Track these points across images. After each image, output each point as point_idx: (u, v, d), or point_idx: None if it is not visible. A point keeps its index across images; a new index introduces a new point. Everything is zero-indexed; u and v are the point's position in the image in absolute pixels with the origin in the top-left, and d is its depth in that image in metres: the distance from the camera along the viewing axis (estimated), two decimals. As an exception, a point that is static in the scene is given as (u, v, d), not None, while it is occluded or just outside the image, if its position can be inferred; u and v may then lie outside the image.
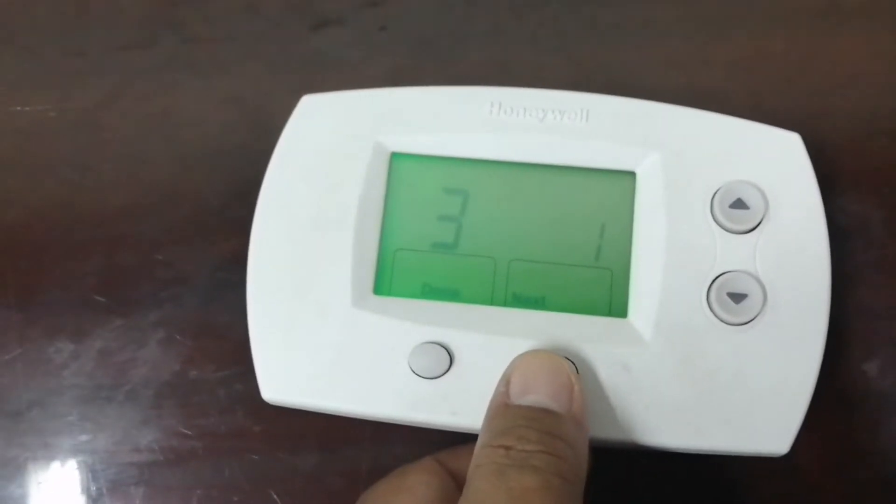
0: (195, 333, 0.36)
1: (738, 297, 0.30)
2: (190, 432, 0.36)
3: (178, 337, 0.36)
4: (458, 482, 0.31)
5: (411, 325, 0.31)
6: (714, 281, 0.31)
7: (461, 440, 0.32)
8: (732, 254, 0.31)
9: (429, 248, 0.32)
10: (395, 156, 0.33)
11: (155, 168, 0.38)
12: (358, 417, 0.31)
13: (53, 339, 0.37)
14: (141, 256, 0.37)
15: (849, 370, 0.34)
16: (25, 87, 0.39)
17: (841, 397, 0.34)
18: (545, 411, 0.27)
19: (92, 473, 0.36)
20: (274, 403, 0.31)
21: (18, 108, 0.39)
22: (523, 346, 0.30)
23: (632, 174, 0.32)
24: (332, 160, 0.33)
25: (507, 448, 0.26)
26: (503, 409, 0.28)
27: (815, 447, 0.33)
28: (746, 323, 0.30)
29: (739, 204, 0.31)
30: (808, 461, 0.33)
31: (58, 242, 0.37)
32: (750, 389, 0.30)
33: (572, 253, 0.32)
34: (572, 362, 0.30)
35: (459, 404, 0.30)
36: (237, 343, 0.35)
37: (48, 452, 0.36)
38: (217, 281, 0.37)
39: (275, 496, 0.35)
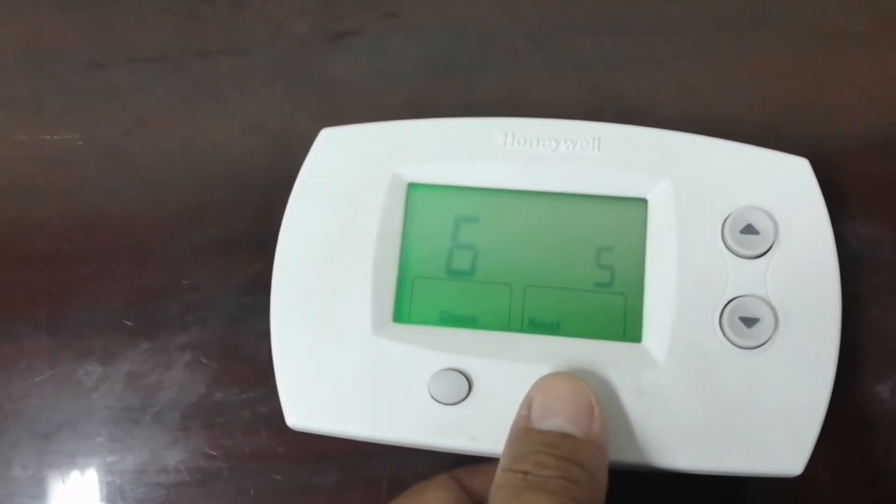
0: (220, 356, 0.37)
1: (749, 322, 0.31)
2: (215, 453, 0.36)
3: (203, 360, 0.37)
4: (473, 500, 0.32)
5: (430, 352, 0.32)
6: (726, 305, 0.31)
7: (479, 459, 0.32)
8: (744, 278, 0.31)
9: (446, 276, 0.33)
10: (411, 186, 0.34)
11: (180, 193, 0.39)
12: (379, 443, 0.32)
13: (82, 362, 0.37)
14: (167, 280, 0.38)
15: (862, 392, 0.34)
16: (53, 115, 0.40)
17: (854, 419, 0.34)
18: (565, 436, 0.28)
19: (120, 493, 0.36)
20: (298, 429, 0.32)
21: (47, 137, 0.40)
22: (540, 371, 0.30)
23: (643, 201, 0.33)
24: (351, 191, 0.33)
25: (525, 473, 0.27)
26: (524, 433, 0.28)
27: (829, 468, 0.33)
28: (759, 346, 0.31)
29: (750, 229, 0.31)
30: (822, 482, 0.34)
31: (86, 267, 0.38)
32: (763, 411, 0.30)
33: (586, 279, 0.32)
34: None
35: (479, 429, 0.31)
36: (261, 365, 0.35)
37: (77, 473, 0.37)
38: (242, 304, 0.37)
39: (298, 515, 0.36)
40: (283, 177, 0.34)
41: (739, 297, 0.31)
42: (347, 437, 0.32)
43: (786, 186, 0.32)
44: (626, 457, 0.30)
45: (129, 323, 0.37)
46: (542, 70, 0.39)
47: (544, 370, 0.31)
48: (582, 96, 0.38)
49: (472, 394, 0.31)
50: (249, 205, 0.38)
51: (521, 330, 0.32)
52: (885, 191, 0.36)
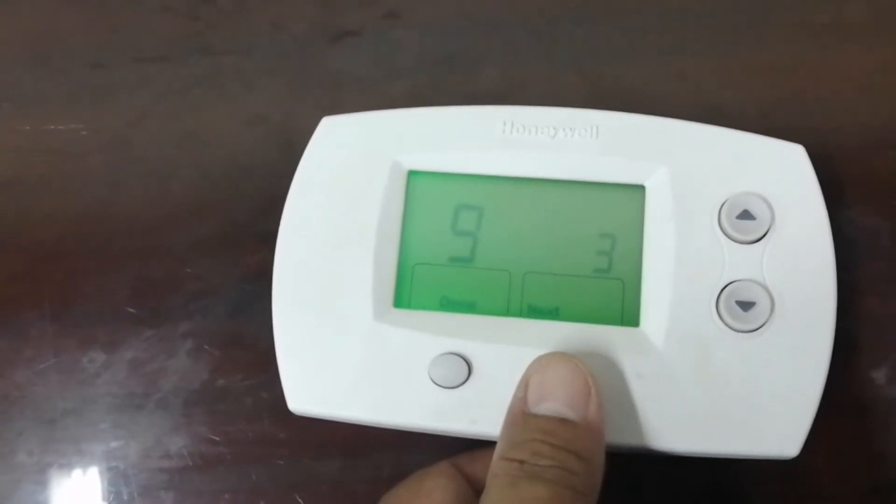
0: (223, 344, 0.37)
1: (746, 306, 0.31)
2: (218, 439, 0.37)
3: (206, 347, 0.37)
4: (474, 486, 0.32)
5: (431, 336, 0.32)
6: (723, 290, 0.31)
7: (480, 444, 0.32)
8: (740, 263, 0.32)
9: (446, 263, 0.33)
10: (412, 174, 0.34)
11: (183, 184, 0.39)
12: (381, 427, 0.32)
13: (87, 350, 0.38)
14: (170, 269, 0.38)
15: (857, 377, 0.34)
16: (58, 107, 0.41)
17: (850, 403, 0.34)
18: (561, 422, 0.28)
19: (124, 478, 0.37)
20: (300, 414, 0.32)
21: (52, 128, 0.40)
22: (539, 355, 0.30)
23: (641, 188, 0.33)
24: (351, 179, 0.34)
25: (522, 462, 0.27)
26: (520, 418, 0.28)
27: (825, 452, 0.34)
28: (755, 330, 0.31)
29: (746, 215, 0.32)
30: (817, 465, 0.34)
31: (91, 256, 0.39)
32: (760, 394, 0.31)
33: (585, 264, 0.33)
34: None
35: (478, 413, 0.31)
36: (263, 353, 0.36)
37: (82, 458, 0.37)
38: (244, 293, 0.38)
39: (300, 500, 0.36)
40: (286, 168, 0.35)
41: (736, 281, 0.31)
42: (349, 422, 0.32)
43: (781, 173, 0.32)
44: (624, 439, 0.31)
45: (133, 311, 0.38)
46: (542, 62, 0.39)
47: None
48: (581, 88, 0.39)
49: (471, 377, 0.31)
50: (252, 196, 0.39)
51: (520, 315, 0.33)
52: (881, 181, 0.36)
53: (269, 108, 0.40)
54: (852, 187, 0.36)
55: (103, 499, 0.37)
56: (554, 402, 0.28)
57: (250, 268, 0.38)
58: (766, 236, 0.32)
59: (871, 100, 0.37)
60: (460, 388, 0.31)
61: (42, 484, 0.37)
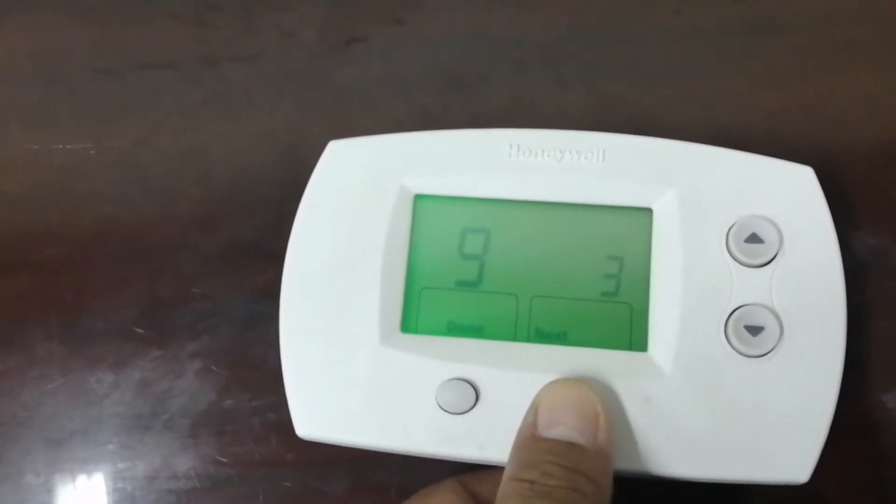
0: (230, 364, 0.37)
1: (755, 330, 0.31)
2: (225, 460, 0.37)
3: (213, 367, 0.37)
4: (479, 505, 0.32)
5: (438, 362, 0.32)
6: (731, 314, 0.31)
7: (487, 467, 0.32)
8: (748, 287, 0.31)
9: (453, 287, 0.33)
10: (418, 197, 0.34)
11: (191, 203, 0.39)
12: (388, 452, 0.32)
13: (94, 370, 0.38)
14: (178, 289, 0.38)
15: (868, 401, 0.34)
16: (66, 126, 0.41)
17: (860, 427, 0.34)
18: (571, 446, 0.28)
19: (131, 500, 0.37)
20: (308, 439, 0.32)
21: (60, 147, 0.41)
22: (547, 381, 0.31)
23: (648, 211, 0.33)
24: (358, 202, 0.34)
25: (532, 482, 0.27)
26: (530, 441, 0.29)
27: (835, 477, 0.33)
28: (764, 355, 0.31)
29: (754, 238, 0.32)
30: (827, 491, 0.34)
31: (98, 276, 0.39)
32: (769, 419, 0.30)
33: (592, 288, 0.33)
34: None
35: (486, 438, 0.31)
36: (271, 373, 0.35)
37: (89, 479, 0.37)
38: (251, 313, 0.38)
39: (306, 521, 0.36)
40: (293, 186, 0.35)
41: (744, 305, 0.31)
42: (356, 447, 0.32)
43: (790, 195, 0.32)
44: (632, 465, 0.31)
45: (141, 331, 0.38)
46: (550, 80, 0.39)
47: (551, 379, 0.31)
48: (589, 106, 0.39)
49: (479, 403, 0.31)
50: (260, 214, 0.39)
51: (528, 340, 0.33)
52: (891, 201, 0.36)
53: (276, 125, 0.40)
54: (861, 208, 0.36)
55: (111, 520, 0.37)
56: (563, 427, 0.28)
57: (257, 287, 0.38)
58: (775, 260, 0.32)
59: (880, 119, 0.37)
60: (468, 413, 0.31)
61: (49, 505, 0.37)
